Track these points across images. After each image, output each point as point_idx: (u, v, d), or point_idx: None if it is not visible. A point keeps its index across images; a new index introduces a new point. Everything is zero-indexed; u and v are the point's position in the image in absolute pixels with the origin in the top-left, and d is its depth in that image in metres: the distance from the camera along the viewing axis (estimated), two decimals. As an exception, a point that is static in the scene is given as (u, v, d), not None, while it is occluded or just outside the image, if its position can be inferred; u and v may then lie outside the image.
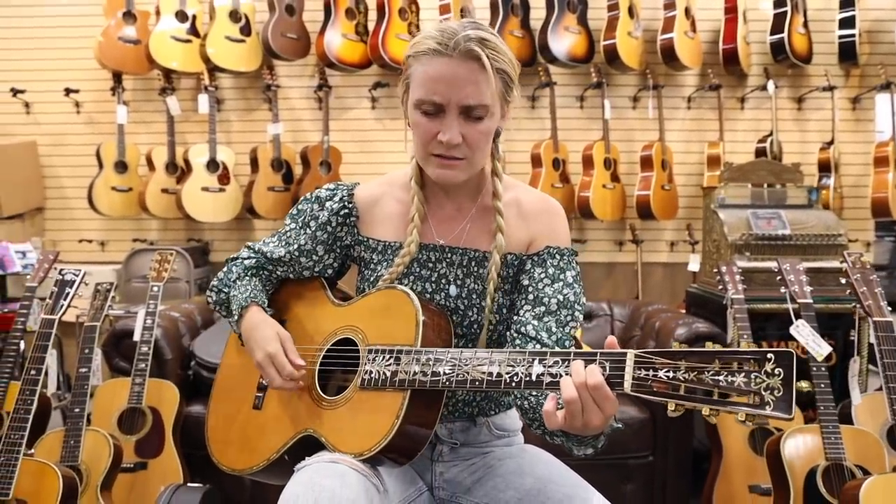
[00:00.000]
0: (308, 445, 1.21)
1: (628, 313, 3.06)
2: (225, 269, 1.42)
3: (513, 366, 1.06)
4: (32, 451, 2.01)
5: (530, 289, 1.26)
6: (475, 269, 1.30)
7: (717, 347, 0.93)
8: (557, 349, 1.05)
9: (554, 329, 1.22)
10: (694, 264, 3.93)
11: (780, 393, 0.88)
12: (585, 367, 0.99)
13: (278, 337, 1.27)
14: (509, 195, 1.33)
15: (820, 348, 1.98)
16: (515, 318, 1.26)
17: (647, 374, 0.95)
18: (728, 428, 2.27)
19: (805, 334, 1.99)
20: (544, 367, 1.02)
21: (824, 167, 4.17)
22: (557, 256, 1.28)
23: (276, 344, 1.25)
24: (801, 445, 2.00)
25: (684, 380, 0.93)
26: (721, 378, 0.91)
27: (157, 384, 2.39)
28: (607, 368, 0.98)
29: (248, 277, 1.38)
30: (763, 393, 0.89)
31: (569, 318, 1.24)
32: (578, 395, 0.98)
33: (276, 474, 1.26)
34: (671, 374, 0.94)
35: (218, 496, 2.07)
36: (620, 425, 1.11)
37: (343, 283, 1.46)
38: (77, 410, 2.07)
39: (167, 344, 2.56)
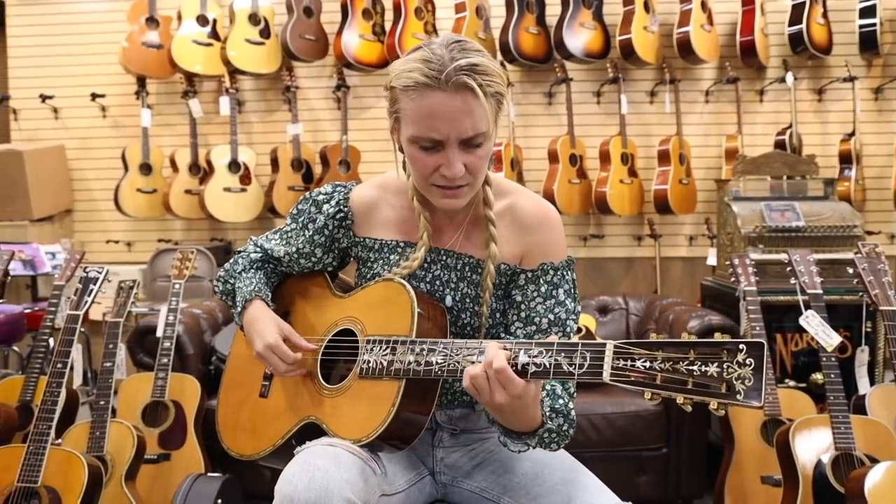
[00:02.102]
0: (311, 432, 1.26)
1: (643, 307, 3.07)
2: (231, 260, 1.47)
3: None
4: (60, 441, 2.10)
5: (522, 306, 1.27)
6: (469, 273, 1.31)
7: (693, 338, 0.96)
8: (542, 339, 1.08)
9: None
10: (713, 258, 3.91)
11: (751, 382, 0.91)
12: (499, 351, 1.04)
13: (278, 328, 1.31)
14: (503, 202, 1.31)
15: (830, 339, 1.98)
16: (504, 335, 1.29)
17: (626, 364, 0.98)
18: (740, 419, 2.28)
19: (814, 325, 1.99)
20: (529, 356, 1.06)
21: (845, 159, 4.12)
22: (551, 272, 1.27)
23: (276, 334, 1.30)
24: (810, 436, 2.00)
25: (660, 370, 0.96)
26: (695, 368, 0.95)
27: (179, 378, 2.46)
28: (588, 359, 1.01)
29: (252, 270, 1.43)
30: (734, 382, 0.92)
31: (559, 332, 1.26)
32: (484, 373, 1.06)
33: (282, 459, 1.30)
34: (648, 365, 0.97)
35: (237, 486, 2.13)
36: (553, 425, 1.16)
37: (344, 273, 1.51)
38: (102, 403, 2.14)
39: (189, 340, 2.63)
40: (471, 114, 1.15)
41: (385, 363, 1.20)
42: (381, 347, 1.22)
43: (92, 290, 2.02)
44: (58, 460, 1.79)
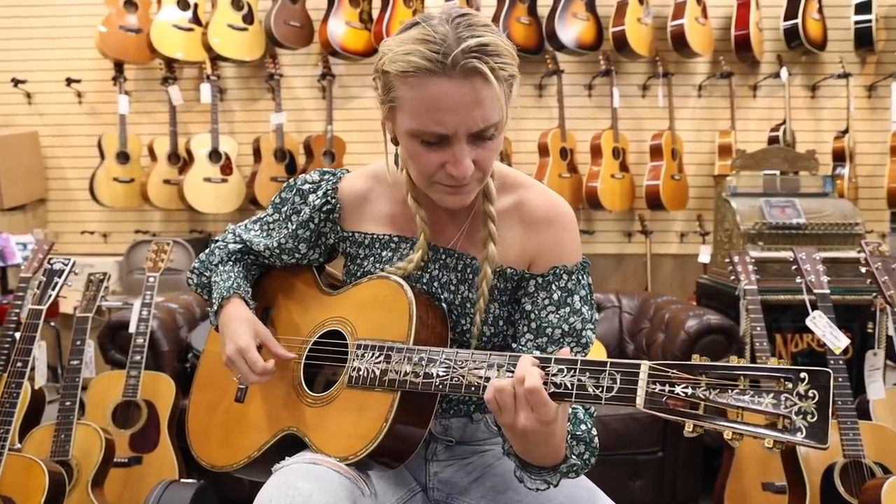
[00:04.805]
0: (291, 444, 1.14)
1: (637, 305, 2.98)
2: (207, 251, 1.33)
3: (513, 371, 0.97)
4: (20, 445, 1.96)
5: (532, 315, 1.13)
6: (470, 275, 1.17)
7: (743, 362, 0.85)
8: (562, 357, 0.95)
9: None
10: (704, 255, 3.85)
11: (815, 418, 0.79)
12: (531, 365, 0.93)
13: (253, 332, 1.18)
14: (511, 198, 1.17)
15: (837, 341, 1.90)
16: (516, 345, 1.15)
17: (663, 390, 0.85)
18: (740, 423, 2.20)
19: (822, 326, 1.91)
20: (547, 375, 0.94)
21: (839, 156, 4.08)
22: (565, 277, 1.13)
23: (249, 338, 1.16)
24: (817, 442, 1.92)
25: (704, 398, 0.83)
26: (746, 398, 0.81)
27: (152, 377, 2.34)
28: (617, 381, 0.89)
29: (230, 263, 1.30)
30: (794, 417, 0.79)
31: (573, 343, 1.12)
32: (512, 389, 0.92)
33: (258, 472, 1.19)
34: (690, 391, 0.84)
35: (212, 493, 2.01)
36: (578, 462, 1.04)
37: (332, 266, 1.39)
38: (68, 404, 2.02)
39: (164, 336, 2.51)
40: (481, 103, 0.99)
41: (378, 372, 1.07)
42: (373, 354, 1.09)
43: (56, 283, 1.89)
44: (16, 467, 1.67)
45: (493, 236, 1.13)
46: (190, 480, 1.97)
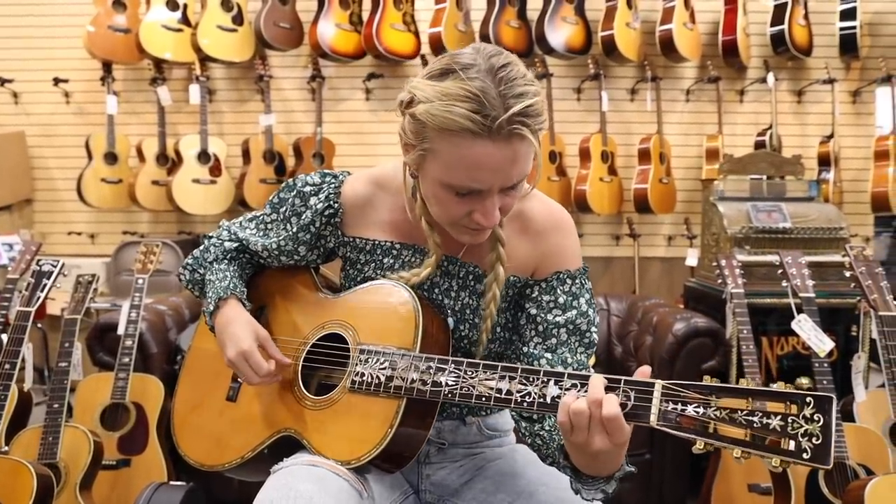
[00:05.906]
0: (288, 446, 1.14)
1: (625, 308, 3.00)
2: (202, 247, 1.32)
3: (525, 384, 0.99)
4: (7, 448, 1.95)
5: (538, 318, 1.15)
6: (472, 282, 1.18)
7: (751, 385, 0.87)
8: (576, 373, 0.97)
9: (570, 360, 1.14)
10: (692, 259, 3.88)
11: (819, 441, 0.82)
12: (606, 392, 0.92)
13: (255, 334, 1.18)
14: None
15: (822, 344, 1.93)
16: (525, 349, 1.16)
17: (675, 409, 0.88)
18: (727, 425, 2.22)
19: (807, 329, 1.94)
20: (560, 389, 0.95)
21: (824, 161, 4.12)
22: (569, 282, 1.15)
23: (251, 341, 1.16)
24: (802, 444, 1.94)
25: (715, 418, 0.86)
26: (755, 419, 0.85)
27: (141, 379, 2.33)
28: (632, 398, 0.91)
29: (226, 261, 1.29)
30: (800, 439, 0.82)
31: (577, 343, 1.14)
32: (588, 411, 0.91)
33: (251, 472, 1.19)
34: (701, 411, 0.87)
35: (202, 495, 2.00)
36: (634, 469, 1.03)
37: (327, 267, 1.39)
38: (56, 406, 2.00)
39: (152, 338, 2.50)
40: (518, 161, 1.00)
41: (383, 378, 1.08)
42: (377, 360, 1.09)
43: (45, 285, 1.88)
44: (3, 470, 1.66)
45: (503, 259, 1.14)
46: (179, 483, 1.96)
